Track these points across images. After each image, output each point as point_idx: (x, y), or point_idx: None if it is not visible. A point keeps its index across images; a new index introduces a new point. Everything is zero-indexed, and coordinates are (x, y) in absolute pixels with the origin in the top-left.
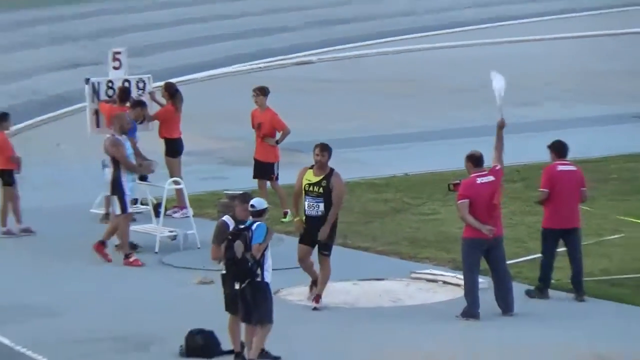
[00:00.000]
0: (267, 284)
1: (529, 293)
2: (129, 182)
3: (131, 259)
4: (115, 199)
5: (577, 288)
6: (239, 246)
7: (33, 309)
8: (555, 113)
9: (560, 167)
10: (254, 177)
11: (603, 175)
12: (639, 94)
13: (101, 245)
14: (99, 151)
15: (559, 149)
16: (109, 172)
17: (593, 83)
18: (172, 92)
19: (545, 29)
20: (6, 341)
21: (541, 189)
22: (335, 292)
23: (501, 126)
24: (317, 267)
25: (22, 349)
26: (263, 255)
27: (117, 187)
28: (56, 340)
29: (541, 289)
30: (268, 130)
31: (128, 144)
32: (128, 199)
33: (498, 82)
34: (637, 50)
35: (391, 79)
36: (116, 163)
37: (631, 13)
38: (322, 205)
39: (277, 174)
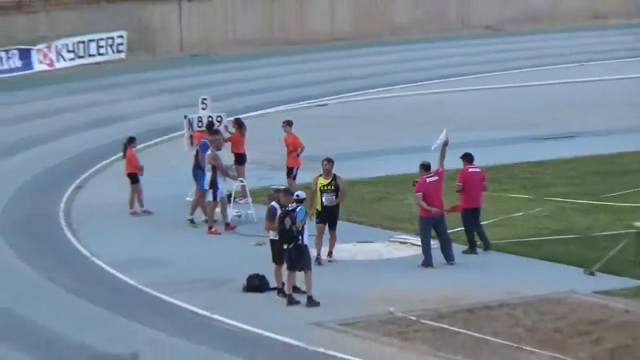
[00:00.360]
0: (305, 245)
1: (464, 251)
2: (221, 182)
3: (212, 229)
4: (210, 191)
5: (486, 244)
6: (288, 221)
7: (150, 261)
8: (482, 136)
9: (470, 169)
10: (287, 177)
11: (512, 174)
12: (538, 124)
13: (211, 228)
14: (190, 161)
15: (468, 157)
16: (208, 175)
17: (507, 117)
18: (239, 124)
19: (483, 82)
20: (132, 282)
21: (458, 183)
22: (341, 250)
23: (445, 144)
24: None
25: (143, 287)
26: (303, 227)
27: (213, 184)
28: (165, 281)
29: (470, 248)
30: (292, 148)
31: (220, 157)
32: (219, 193)
33: (443, 133)
34: (533, 97)
35: (378, 115)
36: (214, 168)
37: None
38: (334, 197)
39: (296, 175)
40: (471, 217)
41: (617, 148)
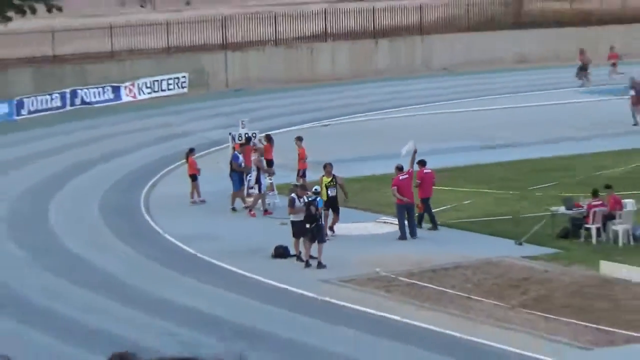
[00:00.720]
0: (322, 224)
1: (429, 229)
2: (264, 179)
3: (251, 212)
4: (256, 186)
5: (434, 224)
6: (313, 208)
7: (204, 236)
8: (442, 145)
9: (425, 171)
10: (297, 176)
11: (464, 173)
12: (483, 137)
13: (250, 210)
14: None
15: (423, 162)
16: (254, 174)
17: (460, 132)
18: (268, 138)
19: (441, 108)
20: (192, 251)
21: (417, 180)
22: (341, 229)
23: (415, 152)
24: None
25: (200, 254)
26: (321, 212)
27: (258, 180)
28: (215, 250)
29: (433, 225)
30: (301, 156)
31: (263, 160)
32: (263, 187)
33: (411, 143)
34: (479, 118)
35: (365, 132)
36: (258, 169)
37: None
38: (335, 190)
39: (304, 175)
40: (426, 205)
41: (541, 154)
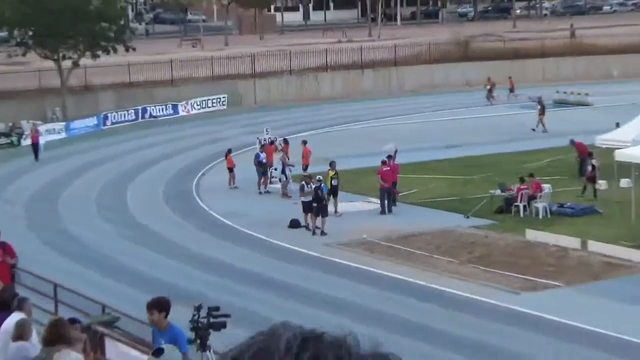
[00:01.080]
0: (327, 204)
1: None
2: (288, 171)
3: (287, 195)
4: (282, 176)
5: (394, 203)
6: (319, 191)
7: (238, 212)
8: (411, 146)
9: (391, 164)
10: (303, 170)
11: (427, 166)
12: (440, 140)
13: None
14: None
15: (389, 158)
16: (279, 167)
17: (424, 136)
18: (286, 141)
19: (410, 119)
20: (229, 223)
21: (384, 169)
22: (339, 207)
23: (396, 151)
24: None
25: (236, 226)
26: (325, 195)
27: (284, 172)
28: (247, 222)
29: (394, 202)
30: (305, 153)
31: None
32: (288, 177)
33: (392, 143)
34: (437, 126)
35: (357, 136)
36: (283, 164)
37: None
38: (337, 181)
39: (306, 168)
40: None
41: (483, 152)
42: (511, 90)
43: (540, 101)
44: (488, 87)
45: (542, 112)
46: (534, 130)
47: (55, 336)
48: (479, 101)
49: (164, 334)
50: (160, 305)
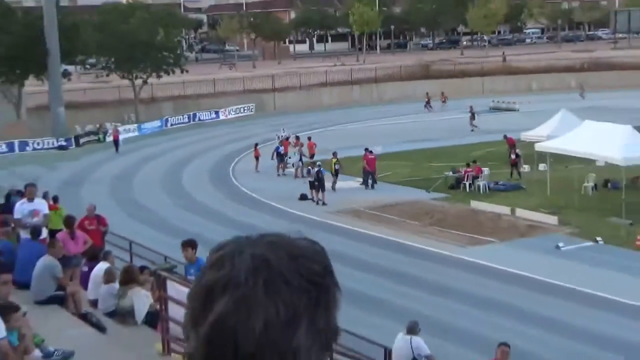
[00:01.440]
0: (324, 183)
1: (371, 186)
2: (302, 159)
3: (298, 176)
4: (298, 163)
5: (375, 183)
6: (320, 173)
7: (264, 189)
8: (387, 140)
9: (370, 156)
10: (310, 159)
11: (399, 156)
12: (405, 137)
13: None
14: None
15: (369, 149)
16: (297, 156)
17: (395, 134)
18: (297, 137)
19: (386, 120)
20: (257, 196)
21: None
22: (338, 186)
23: (371, 152)
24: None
25: (261, 198)
26: (323, 175)
27: (301, 159)
28: (270, 195)
29: (375, 182)
30: (310, 147)
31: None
32: (303, 163)
33: (379, 147)
34: (403, 127)
35: (350, 133)
36: (300, 154)
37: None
38: (339, 166)
39: (312, 156)
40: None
41: (443, 144)
42: (444, 101)
43: (471, 109)
44: (426, 99)
45: (472, 117)
46: (472, 130)
47: (129, 278)
48: (439, 109)
49: (193, 265)
50: (192, 244)
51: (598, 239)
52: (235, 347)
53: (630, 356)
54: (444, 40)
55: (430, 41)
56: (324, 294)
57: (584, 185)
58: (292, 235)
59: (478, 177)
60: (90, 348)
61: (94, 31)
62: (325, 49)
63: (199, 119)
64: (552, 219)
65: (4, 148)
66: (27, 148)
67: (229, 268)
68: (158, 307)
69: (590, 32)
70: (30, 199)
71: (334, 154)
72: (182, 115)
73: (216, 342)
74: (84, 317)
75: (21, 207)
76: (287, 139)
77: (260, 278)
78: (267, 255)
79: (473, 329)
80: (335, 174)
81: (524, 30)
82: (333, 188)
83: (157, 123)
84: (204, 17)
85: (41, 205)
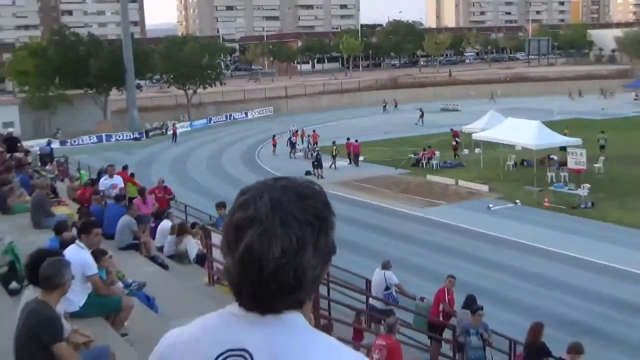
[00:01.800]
0: (322, 163)
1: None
2: (309, 147)
3: (306, 157)
4: (306, 149)
5: (357, 163)
6: (318, 156)
7: (281, 167)
8: (366, 134)
9: (353, 143)
10: (315, 145)
11: (377, 143)
12: (381, 130)
13: (305, 157)
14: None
15: (350, 140)
16: (306, 144)
17: (372, 128)
18: (302, 132)
19: (367, 119)
20: (275, 172)
21: (348, 144)
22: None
23: (356, 140)
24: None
25: (277, 173)
26: (321, 158)
27: (309, 146)
28: (283, 173)
29: (356, 162)
30: (314, 136)
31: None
32: (309, 150)
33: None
34: (379, 123)
35: (345, 127)
36: (309, 143)
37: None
38: (336, 151)
39: (316, 144)
40: (354, 155)
41: (403, 135)
42: (395, 105)
43: (421, 110)
44: (384, 104)
45: (422, 116)
46: (417, 124)
47: (182, 230)
48: (392, 111)
49: (224, 219)
50: (223, 204)
51: (517, 201)
52: (260, 267)
53: (530, 279)
54: (407, 61)
55: (398, 62)
56: (324, 224)
57: (507, 164)
58: (298, 179)
59: (432, 158)
60: (158, 280)
61: (159, 56)
62: (323, 68)
63: (234, 118)
64: (484, 188)
65: (95, 139)
66: (112, 139)
67: (253, 208)
68: (205, 251)
69: (511, 55)
70: (111, 176)
71: (333, 142)
72: (222, 115)
73: (246, 263)
74: (153, 259)
75: (104, 182)
76: (297, 132)
77: (277, 216)
78: (280, 198)
79: (429, 265)
80: (334, 157)
81: (464, 54)
82: (334, 167)
83: (203, 121)
84: (236, 45)
85: (118, 180)
